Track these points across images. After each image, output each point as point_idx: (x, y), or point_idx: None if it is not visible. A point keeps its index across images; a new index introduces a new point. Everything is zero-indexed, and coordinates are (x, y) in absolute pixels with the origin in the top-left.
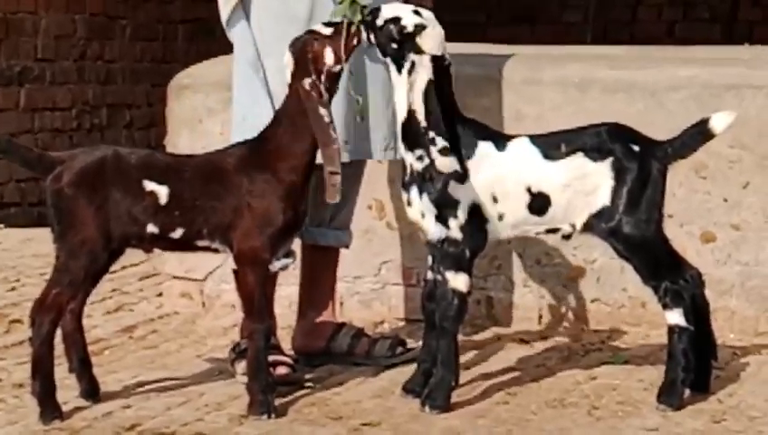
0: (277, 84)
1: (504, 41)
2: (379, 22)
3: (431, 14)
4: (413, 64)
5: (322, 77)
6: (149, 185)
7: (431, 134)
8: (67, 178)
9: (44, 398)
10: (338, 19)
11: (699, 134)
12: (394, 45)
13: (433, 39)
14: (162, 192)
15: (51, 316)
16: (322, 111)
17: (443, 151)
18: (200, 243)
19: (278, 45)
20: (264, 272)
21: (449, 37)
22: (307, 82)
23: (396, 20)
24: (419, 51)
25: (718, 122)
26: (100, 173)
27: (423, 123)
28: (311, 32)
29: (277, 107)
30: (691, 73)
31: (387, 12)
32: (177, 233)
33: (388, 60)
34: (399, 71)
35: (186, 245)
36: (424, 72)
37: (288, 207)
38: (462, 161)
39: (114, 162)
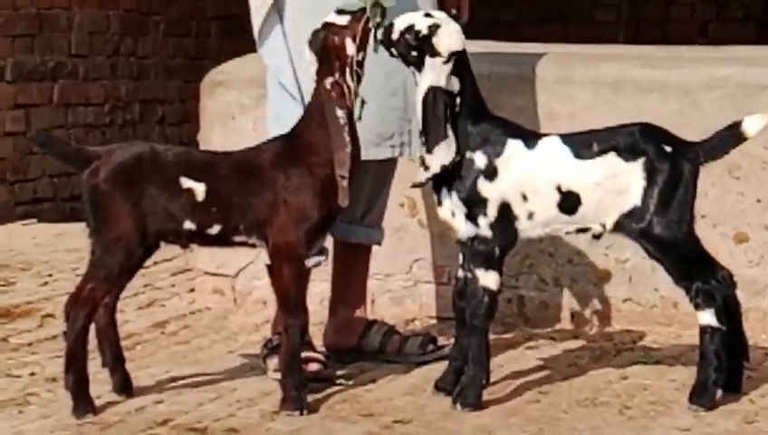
0: (311, 82)
1: (535, 40)
2: (395, 36)
3: (443, 13)
4: (422, 67)
5: (347, 70)
6: (187, 182)
7: (422, 139)
8: (104, 174)
9: (78, 392)
10: (352, 8)
11: (732, 136)
12: (414, 53)
13: (449, 36)
14: (199, 189)
15: (86, 311)
16: (339, 112)
17: (421, 161)
18: (237, 238)
19: None
20: (300, 267)
21: (480, 35)
22: (329, 81)
23: (410, 28)
24: (435, 52)
25: (751, 125)
26: (137, 169)
27: (419, 126)
28: (327, 24)
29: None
30: (726, 73)
31: (400, 23)
32: (215, 229)
33: (413, 68)
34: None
35: (223, 240)
36: (429, 76)
37: (323, 201)
38: (491, 159)
39: (151, 159)
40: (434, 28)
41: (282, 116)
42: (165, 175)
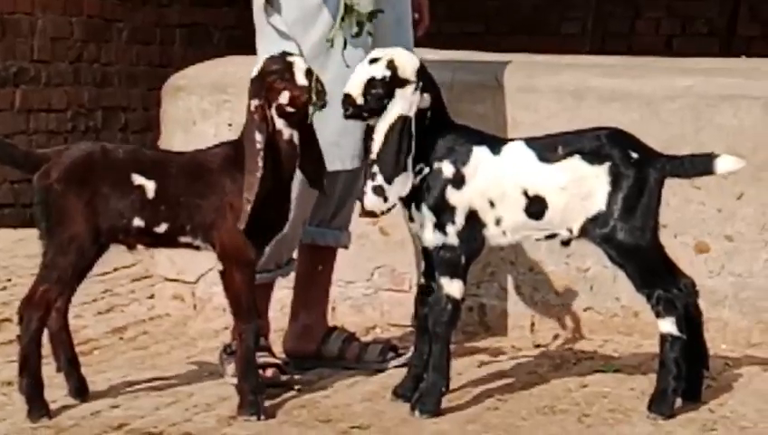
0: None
1: (502, 51)
2: (359, 101)
3: (378, 50)
4: (392, 97)
5: (272, 108)
6: (138, 179)
7: (375, 168)
8: (56, 175)
9: (32, 395)
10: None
11: (701, 165)
12: (386, 100)
13: (407, 60)
14: (150, 186)
15: (39, 313)
16: (258, 136)
17: (376, 190)
18: (183, 239)
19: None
20: (250, 271)
21: (447, 46)
22: (254, 103)
23: (370, 82)
24: (405, 83)
25: (723, 164)
26: (89, 168)
27: (373, 155)
28: (290, 64)
29: None
30: (687, 83)
31: (354, 88)
32: (162, 228)
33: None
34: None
35: (169, 240)
36: (399, 106)
37: (269, 208)
38: (458, 167)
39: (102, 157)
40: (391, 64)
41: None
42: (116, 172)
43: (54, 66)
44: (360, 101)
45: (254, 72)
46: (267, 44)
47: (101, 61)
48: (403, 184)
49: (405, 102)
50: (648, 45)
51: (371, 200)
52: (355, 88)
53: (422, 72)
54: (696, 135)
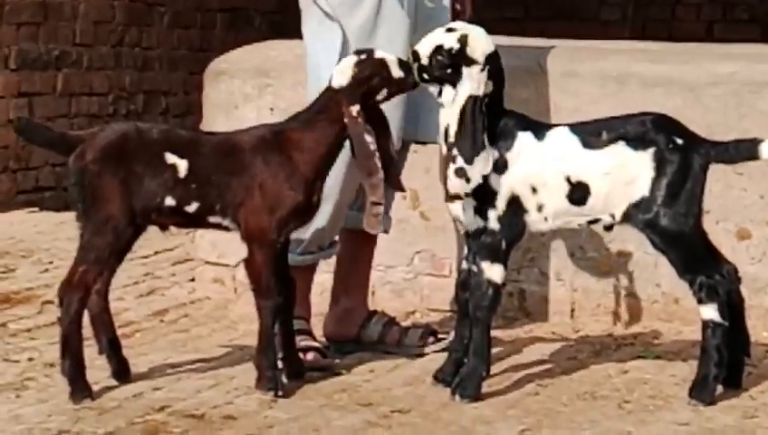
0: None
1: (542, 37)
2: (424, 61)
3: (461, 23)
4: (460, 77)
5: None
6: (170, 158)
7: (454, 151)
8: (91, 156)
9: (74, 377)
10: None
11: (746, 151)
12: (449, 70)
13: (480, 42)
14: (182, 165)
15: (79, 295)
16: (368, 138)
17: (458, 172)
18: (212, 219)
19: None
20: (271, 251)
21: (489, 32)
22: (355, 109)
23: (438, 48)
24: (471, 62)
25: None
26: (123, 148)
27: (452, 139)
28: (383, 63)
29: None
30: (730, 69)
31: (424, 48)
32: (193, 207)
33: (446, 85)
34: (454, 86)
35: (199, 220)
36: (467, 86)
37: (299, 193)
38: (502, 153)
39: (136, 136)
40: (464, 39)
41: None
42: (149, 151)
43: (96, 50)
44: (424, 61)
45: (342, 79)
46: (313, 26)
47: (143, 45)
48: (485, 162)
49: (473, 82)
50: (688, 31)
51: (454, 184)
52: (423, 48)
53: (492, 58)
54: (738, 121)
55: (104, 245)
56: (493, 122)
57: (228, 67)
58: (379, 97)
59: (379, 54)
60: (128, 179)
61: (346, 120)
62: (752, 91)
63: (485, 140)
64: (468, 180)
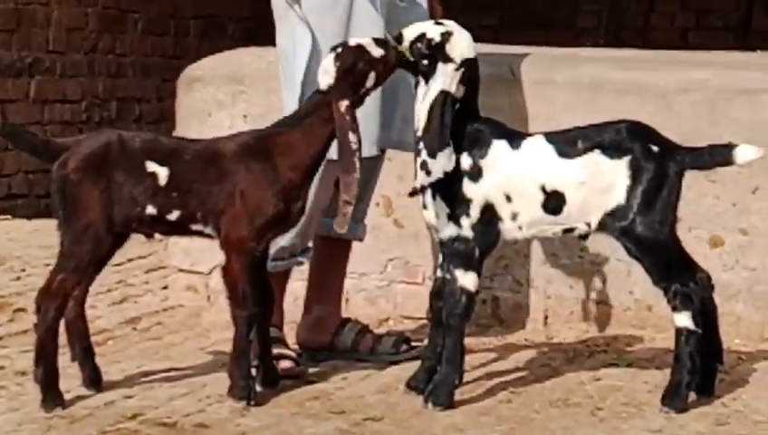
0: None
1: (517, 45)
2: (405, 44)
3: (452, 22)
4: (435, 72)
5: (356, 98)
6: (151, 166)
7: (420, 145)
8: (73, 164)
9: (47, 385)
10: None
11: (721, 156)
12: (425, 61)
13: (462, 43)
14: (162, 173)
15: (56, 303)
16: (353, 137)
17: (422, 165)
18: (194, 227)
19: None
20: (249, 260)
21: None
22: (344, 104)
23: (421, 36)
24: (448, 59)
25: (742, 154)
26: (105, 157)
27: (418, 132)
28: (359, 47)
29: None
30: (703, 77)
31: (410, 33)
32: (174, 215)
33: (420, 77)
34: (426, 81)
35: (181, 228)
36: (440, 81)
37: (281, 201)
38: (476, 160)
39: (119, 146)
40: (446, 36)
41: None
42: (131, 160)
43: (69, 57)
44: (405, 44)
45: (328, 78)
46: (286, 33)
47: (116, 52)
48: (447, 158)
49: (446, 78)
50: (662, 39)
51: (419, 177)
52: (409, 32)
53: (469, 64)
54: (711, 128)
55: (84, 253)
56: (467, 128)
57: (202, 74)
58: (369, 84)
59: (353, 42)
60: (109, 188)
61: (335, 115)
62: (724, 98)
63: (449, 136)
64: (429, 173)
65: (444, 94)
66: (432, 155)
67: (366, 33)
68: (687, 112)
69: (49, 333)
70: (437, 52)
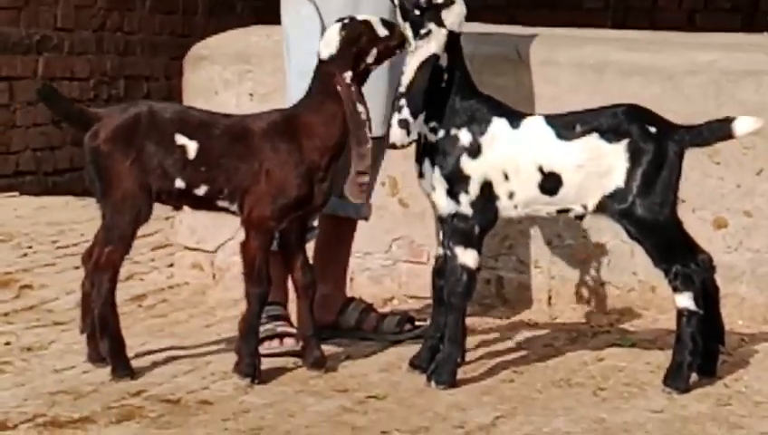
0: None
1: (524, 25)
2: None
3: None
4: (428, 33)
5: (358, 72)
6: (180, 139)
7: (402, 101)
8: (103, 135)
9: (115, 355)
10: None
11: (719, 130)
12: (417, 12)
13: (456, 15)
14: (191, 147)
15: (108, 274)
16: (360, 108)
17: (402, 123)
18: (221, 203)
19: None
20: (268, 239)
21: (468, 19)
22: (348, 75)
23: None
24: (441, 23)
25: (742, 126)
26: (135, 129)
27: (402, 89)
28: (366, 23)
29: None
30: (709, 58)
31: None
32: (202, 190)
33: (407, 24)
34: (415, 37)
35: (208, 203)
36: (434, 44)
37: (304, 182)
38: (475, 137)
39: (149, 117)
40: (449, 2)
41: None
42: (161, 132)
43: (77, 34)
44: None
45: (330, 48)
46: (291, 13)
47: (124, 29)
48: (421, 122)
49: (439, 43)
50: (670, 20)
51: (396, 133)
52: None
53: (453, 36)
54: (717, 110)
55: (125, 223)
56: (464, 104)
57: (208, 53)
58: (369, 59)
59: (361, 17)
60: (140, 159)
61: (339, 88)
62: (730, 80)
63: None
64: (409, 133)
65: (435, 57)
66: (415, 116)
67: (373, 12)
68: (694, 94)
69: (107, 306)
70: (432, 11)
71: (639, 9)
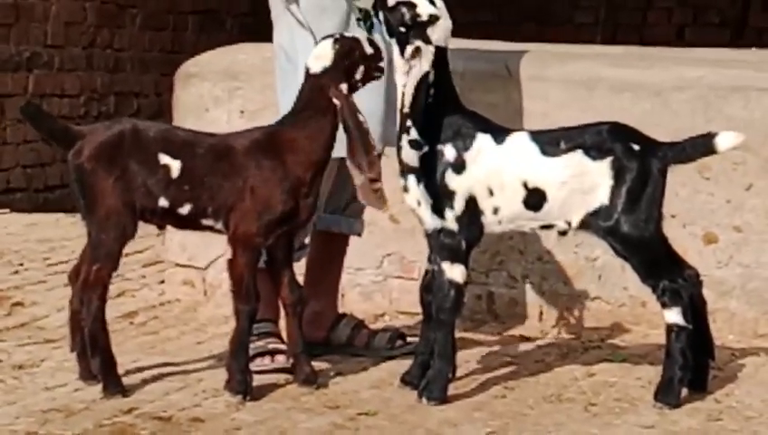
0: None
1: (513, 41)
2: (391, 2)
3: (443, 4)
4: (417, 51)
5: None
6: (164, 158)
7: (408, 122)
8: (87, 153)
9: (106, 373)
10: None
11: (702, 146)
12: (402, 29)
13: (442, 31)
14: (175, 166)
15: (97, 292)
16: (361, 117)
17: (413, 143)
18: (205, 222)
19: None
20: (255, 256)
21: (458, 35)
22: (344, 87)
23: (410, 5)
24: (427, 40)
25: (724, 141)
26: (119, 146)
27: (406, 109)
28: (356, 40)
29: None
30: (697, 74)
31: None
32: (185, 209)
33: (393, 41)
34: (401, 54)
35: (192, 222)
36: (425, 62)
37: (290, 198)
38: (460, 153)
39: (133, 135)
40: (434, 18)
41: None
42: (145, 151)
43: (68, 51)
44: (391, 2)
45: (324, 61)
46: (284, 34)
47: (114, 46)
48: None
49: (428, 60)
50: (659, 35)
51: (409, 154)
52: None
53: (439, 52)
54: (705, 126)
55: (111, 240)
56: (448, 119)
57: (198, 70)
58: (357, 76)
59: (349, 35)
60: (123, 177)
61: (336, 100)
62: (719, 95)
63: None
64: (420, 150)
65: (429, 74)
66: (422, 133)
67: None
68: (682, 110)
69: (97, 323)
70: (417, 28)
71: (629, 24)
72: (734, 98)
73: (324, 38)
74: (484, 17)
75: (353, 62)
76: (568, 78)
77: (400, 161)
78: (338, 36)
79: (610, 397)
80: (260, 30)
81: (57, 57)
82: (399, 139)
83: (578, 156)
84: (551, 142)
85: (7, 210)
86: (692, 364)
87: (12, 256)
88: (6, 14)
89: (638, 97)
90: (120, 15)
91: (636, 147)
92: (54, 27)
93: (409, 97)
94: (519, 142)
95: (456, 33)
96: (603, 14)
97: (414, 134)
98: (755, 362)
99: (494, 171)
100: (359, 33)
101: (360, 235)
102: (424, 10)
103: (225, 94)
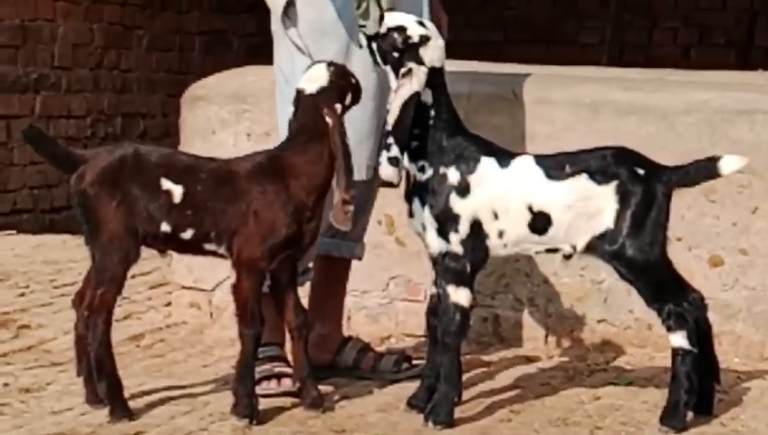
0: None
1: (520, 60)
2: (382, 30)
3: (433, 25)
4: (409, 71)
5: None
6: (166, 183)
7: (390, 139)
8: (89, 178)
9: (113, 398)
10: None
11: (706, 169)
12: (395, 54)
13: (435, 51)
14: (177, 191)
15: (102, 316)
16: (348, 140)
17: (392, 161)
18: (208, 246)
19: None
20: (260, 279)
21: (465, 55)
22: (339, 107)
23: (401, 29)
24: (420, 62)
25: (728, 164)
26: (121, 171)
27: (389, 127)
28: (344, 68)
29: None
30: (704, 98)
31: (390, 20)
32: (188, 234)
33: (388, 68)
34: (396, 78)
35: (195, 247)
36: (415, 82)
37: (293, 221)
38: (464, 176)
39: (134, 160)
40: (424, 39)
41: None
42: (147, 176)
43: (75, 73)
44: (383, 30)
45: (319, 82)
46: (285, 59)
47: (121, 67)
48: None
49: (420, 81)
50: (665, 55)
51: (387, 171)
52: (391, 20)
53: (434, 72)
54: (711, 149)
55: (114, 264)
56: (452, 142)
57: (205, 93)
58: (347, 101)
59: (337, 62)
60: (125, 201)
61: (328, 119)
62: (724, 119)
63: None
64: (401, 170)
65: (418, 95)
66: (402, 151)
67: (363, 65)
68: (688, 133)
69: (102, 348)
70: (410, 51)
71: (635, 44)
72: (740, 121)
73: (315, 63)
74: (491, 37)
75: (345, 85)
76: (574, 101)
77: (389, 183)
78: (328, 62)
79: (616, 420)
80: (267, 51)
81: (64, 78)
82: (379, 155)
83: (583, 180)
84: (556, 166)
85: (14, 232)
86: (697, 388)
87: (18, 278)
88: (14, 36)
89: (644, 120)
90: (126, 37)
91: (640, 171)
92: (61, 49)
93: (394, 115)
94: (524, 166)
95: (462, 51)
96: (609, 34)
97: (395, 151)
98: (761, 386)
99: (499, 195)
100: (360, 58)
101: (360, 259)
102: (414, 32)
103: (232, 117)
